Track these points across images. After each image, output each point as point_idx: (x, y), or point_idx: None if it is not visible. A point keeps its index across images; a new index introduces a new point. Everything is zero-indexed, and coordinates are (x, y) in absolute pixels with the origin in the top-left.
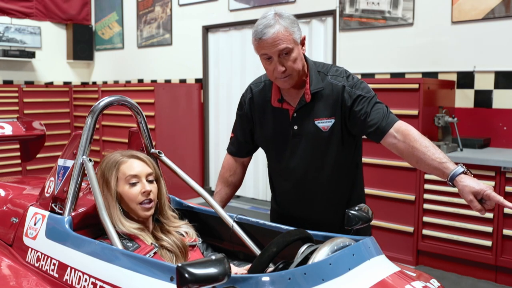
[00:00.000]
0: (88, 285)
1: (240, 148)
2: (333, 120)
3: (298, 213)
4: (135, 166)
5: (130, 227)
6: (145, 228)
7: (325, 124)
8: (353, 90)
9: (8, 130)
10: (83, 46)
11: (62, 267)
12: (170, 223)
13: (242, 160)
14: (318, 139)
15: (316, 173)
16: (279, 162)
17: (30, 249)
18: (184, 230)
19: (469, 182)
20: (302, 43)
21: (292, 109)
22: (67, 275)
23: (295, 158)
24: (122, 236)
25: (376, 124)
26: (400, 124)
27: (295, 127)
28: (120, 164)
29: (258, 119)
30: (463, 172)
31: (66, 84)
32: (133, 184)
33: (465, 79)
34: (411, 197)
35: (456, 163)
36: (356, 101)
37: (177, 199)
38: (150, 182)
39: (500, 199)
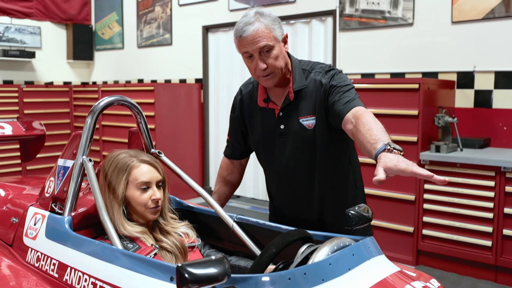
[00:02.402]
0: (88, 285)
1: (234, 151)
2: (314, 117)
3: (296, 214)
4: (147, 172)
5: (132, 230)
6: (147, 229)
7: (309, 121)
8: (330, 82)
9: (8, 130)
10: (83, 46)
11: (62, 267)
12: (169, 224)
13: (239, 161)
14: (304, 138)
15: (307, 172)
16: (270, 163)
17: (30, 249)
18: (184, 231)
19: (385, 158)
20: (284, 41)
21: (278, 109)
22: (67, 275)
23: (284, 157)
24: (122, 237)
25: (337, 109)
26: (358, 109)
27: (282, 127)
28: (131, 168)
29: (248, 120)
30: (384, 150)
31: (66, 84)
32: (144, 190)
33: (465, 79)
34: (411, 197)
35: (388, 144)
36: (330, 92)
37: (177, 199)
38: (159, 188)
39: (416, 170)
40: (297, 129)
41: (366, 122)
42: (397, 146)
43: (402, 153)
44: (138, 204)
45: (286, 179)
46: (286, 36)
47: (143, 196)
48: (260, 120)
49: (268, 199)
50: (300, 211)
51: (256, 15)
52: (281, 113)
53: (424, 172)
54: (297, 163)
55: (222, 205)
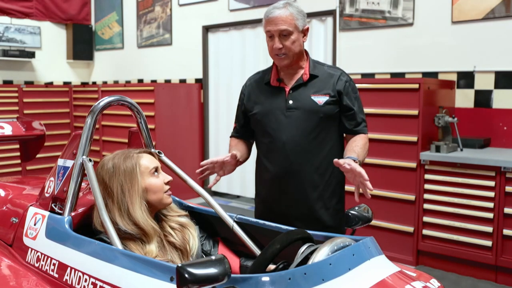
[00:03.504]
0: (88, 285)
1: (245, 133)
2: (327, 97)
3: (283, 204)
4: (152, 159)
5: (153, 223)
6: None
7: (320, 99)
8: (348, 84)
9: (8, 130)
10: (83, 46)
11: (62, 267)
12: (171, 211)
13: (247, 140)
14: (313, 111)
15: (306, 149)
16: (271, 135)
17: (30, 249)
18: (185, 221)
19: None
20: (304, 33)
21: (288, 88)
22: (67, 275)
23: (288, 128)
24: (129, 233)
25: (350, 127)
26: (357, 136)
27: (290, 102)
28: (138, 159)
29: (254, 99)
30: (352, 160)
31: (66, 84)
32: (157, 176)
33: (465, 79)
34: (411, 197)
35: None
36: (347, 96)
37: (177, 199)
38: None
39: (361, 171)
40: (308, 103)
41: (355, 140)
42: (360, 162)
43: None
44: (157, 190)
45: (283, 156)
46: (307, 29)
47: (158, 181)
48: (269, 97)
49: None
50: (287, 200)
51: (286, 4)
52: (291, 91)
53: (365, 176)
54: (301, 133)
55: (242, 158)
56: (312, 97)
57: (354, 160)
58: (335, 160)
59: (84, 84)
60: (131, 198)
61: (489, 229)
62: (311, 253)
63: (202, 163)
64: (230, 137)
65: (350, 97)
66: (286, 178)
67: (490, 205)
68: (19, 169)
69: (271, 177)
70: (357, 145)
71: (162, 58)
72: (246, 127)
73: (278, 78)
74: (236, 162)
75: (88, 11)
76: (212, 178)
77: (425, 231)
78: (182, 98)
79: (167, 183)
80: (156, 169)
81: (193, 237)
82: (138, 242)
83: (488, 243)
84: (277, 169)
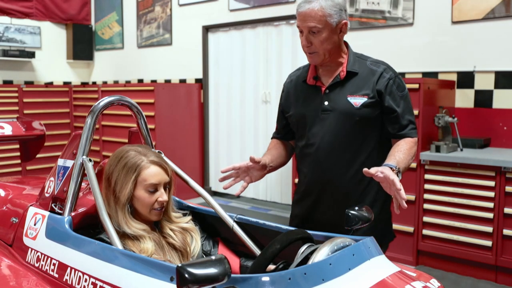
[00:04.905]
0: (88, 285)
1: (284, 134)
2: (365, 99)
3: (317, 212)
4: (157, 174)
5: (137, 228)
6: (148, 228)
7: (357, 100)
8: (392, 82)
9: (8, 130)
10: (83, 46)
11: (62, 267)
12: (173, 222)
13: (288, 142)
14: (348, 114)
15: (340, 156)
16: (305, 139)
17: (30, 249)
18: (187, 226)
19: (384, 168)
20: (341, 28)
21: (325, 87)
22: (67, 275)
23: (323, 132)
24: (127, 235)
25: (393, 131)
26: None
27: (326, 103)
28: (142, 168)
29: (293, 97)
30: (389, 167)
31: (66, 84)
32: (152, 192)
33: (465, 79)
34: (411, 197)
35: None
36: (390, 96)
37: (177, 199)
38: (165, 189)
39: (393, 181)
40: (343, 105)
41: (398, 144)
42: (400, 170)
43: (399, 175)
44: (144, 205)
45: (321, 158)
46: (345, 24)
47: (150, 197)
48: (305, 96)
49: (267, 199)
50: (323, 206)
51: None
52: (327, 90)
53: (398, 185)
54: (335, 138)
55: (274, 162)
56: (349, 98)
57: (392, 168)
58: (365, 169)
59: (84, 84)
60: (119, 195)
61: (489, 229)
62: (311, 253)
63: (222, 170)
64: (271, 138)
65: (394, 97)
66: (319, 185)
67: (490, 205)
68: (19, 169)
69: (306, 182)
70: (399, 151)
71: (162, 58)
72: (287, 127)
73: (314, 76)
74: (264, 167)
75: (88, 11)
76: (213, 177)
77: (425, 231)
78: (182, 98)
79: (159, 202)
80: (156, 187)
81: (196, 241)
82: (134, 240)
83: (488, 243)
84: (310, 175)
